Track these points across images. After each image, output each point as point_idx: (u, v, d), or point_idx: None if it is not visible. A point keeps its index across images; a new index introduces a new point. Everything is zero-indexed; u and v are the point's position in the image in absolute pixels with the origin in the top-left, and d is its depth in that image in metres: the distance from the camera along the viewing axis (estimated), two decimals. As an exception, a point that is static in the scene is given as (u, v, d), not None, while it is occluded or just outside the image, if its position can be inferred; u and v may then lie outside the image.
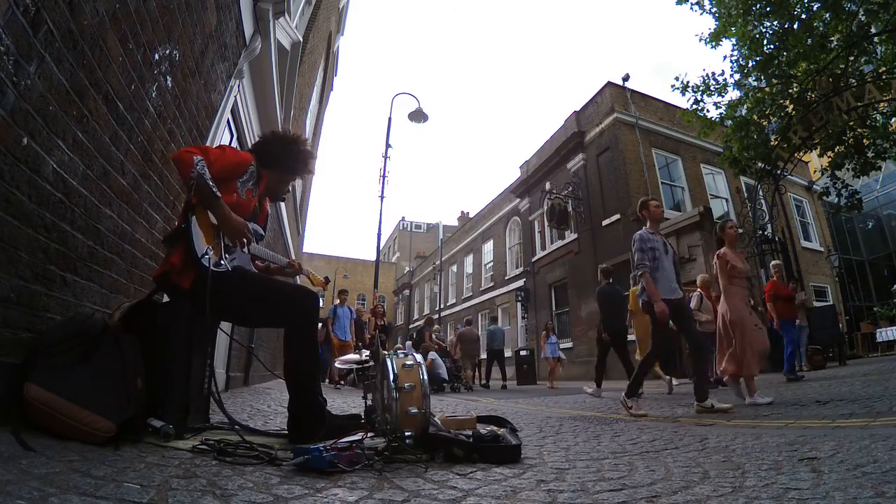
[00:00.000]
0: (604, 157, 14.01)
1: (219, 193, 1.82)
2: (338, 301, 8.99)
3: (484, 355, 12.03)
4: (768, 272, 9.58)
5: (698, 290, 6.70)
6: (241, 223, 1.95)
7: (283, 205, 7.37)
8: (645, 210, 4.01)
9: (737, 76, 10.20)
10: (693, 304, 6.29)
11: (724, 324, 4.11)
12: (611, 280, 6.50)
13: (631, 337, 6.95)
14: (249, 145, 4.84)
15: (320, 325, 8.00)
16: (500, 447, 1.75)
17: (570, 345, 14.64)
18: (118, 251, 2.11)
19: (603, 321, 6.40)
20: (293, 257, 2.58)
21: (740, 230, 10.95)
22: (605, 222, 13.55)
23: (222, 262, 1.90)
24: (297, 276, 2.61)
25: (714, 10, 9.90)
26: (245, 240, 1.99)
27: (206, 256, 1.82)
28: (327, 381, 9.46)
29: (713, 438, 2.22)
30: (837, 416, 2.76)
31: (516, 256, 19.65)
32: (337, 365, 3.33)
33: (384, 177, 10.20)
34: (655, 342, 3.87)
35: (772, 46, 9.53)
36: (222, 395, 2.16)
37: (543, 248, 16.91)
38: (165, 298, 2.01)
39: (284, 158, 2.20)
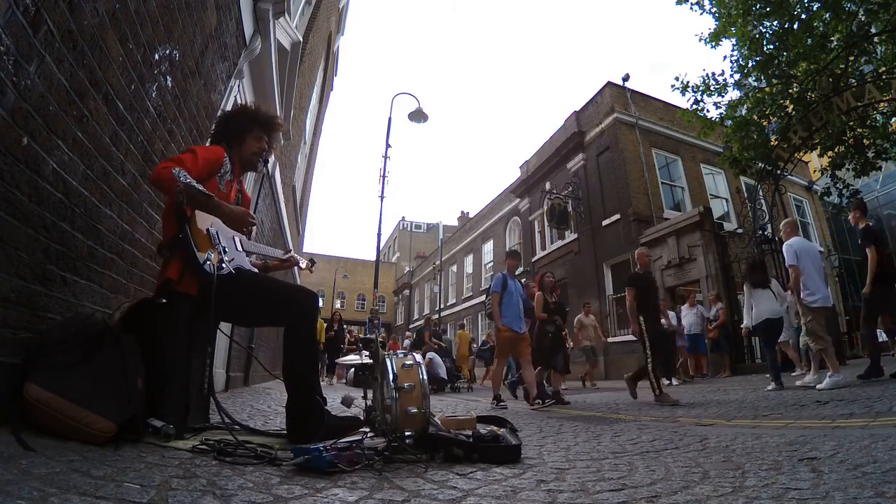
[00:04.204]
0: (604, 157, 14.01)
1: (209, 192, 1.85)
2: (506, 269, 5.41)
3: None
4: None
5: None
6: (242, 210, 2.00)
7: (283, 205, 7.35)
8: None
9: (737, 76, 10.18)
10: None
11: None
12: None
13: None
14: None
15: (489, 298, 5.24)
16: (500, 447, 1.75)
17: (570, 344, 14.63)
18: (118, 251, 2.11)
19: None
20: (292, 252, 2.57)
21: (740, 230, 11.01)
22: (605, 222, 13.55)
23: (223, 265, 1.91)
24: (297, 267, 2.63)
25: (714, 10, 9.88)
26: (250, 225, 2.04)
27: (208, 263, 1.83)
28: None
29: (713, 438, 2.22)
30: (837, 416, 2.76)
31: (516, 256, 19.63)
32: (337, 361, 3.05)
33: (384, 177, 10.18)
34: None
35: (772, 46, 9.52)
36: (221, 396, 2.15)
37: (543, 248, 16.90)
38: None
39: (235, 124, 2.20)
